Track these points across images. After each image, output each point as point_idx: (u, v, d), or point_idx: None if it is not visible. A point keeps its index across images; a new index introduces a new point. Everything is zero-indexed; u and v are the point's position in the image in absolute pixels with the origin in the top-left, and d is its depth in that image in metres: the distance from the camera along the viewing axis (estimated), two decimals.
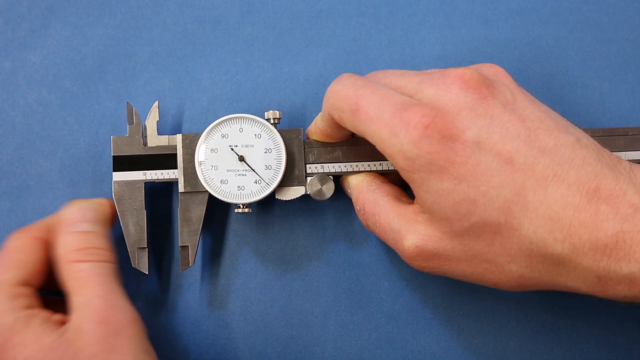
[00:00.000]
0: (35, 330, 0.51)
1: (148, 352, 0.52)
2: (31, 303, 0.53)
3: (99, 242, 0.55)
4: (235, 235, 0.62)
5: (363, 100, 0.51)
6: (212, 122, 0.58)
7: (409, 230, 0.52)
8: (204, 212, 0.58)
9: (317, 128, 0.58)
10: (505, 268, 0.50)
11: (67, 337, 0.51)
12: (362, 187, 0.57)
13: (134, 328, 0.52)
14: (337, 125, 0.56)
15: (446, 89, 0.50)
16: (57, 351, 0.50)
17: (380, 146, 0.51)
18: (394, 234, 0.53)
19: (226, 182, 0.58)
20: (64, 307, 0.54)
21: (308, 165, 0.59)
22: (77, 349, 0.50)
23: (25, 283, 0.53)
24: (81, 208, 0.56)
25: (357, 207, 0.57)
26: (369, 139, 0.52)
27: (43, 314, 0.53)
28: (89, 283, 0.53)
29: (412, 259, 0.52)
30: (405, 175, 0.50)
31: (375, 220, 0.55)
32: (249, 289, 0.61)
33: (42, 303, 0.54)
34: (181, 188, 0.58)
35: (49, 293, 0.57)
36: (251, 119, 0.58)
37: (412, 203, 0.54)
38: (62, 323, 0.52)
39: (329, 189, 0.58)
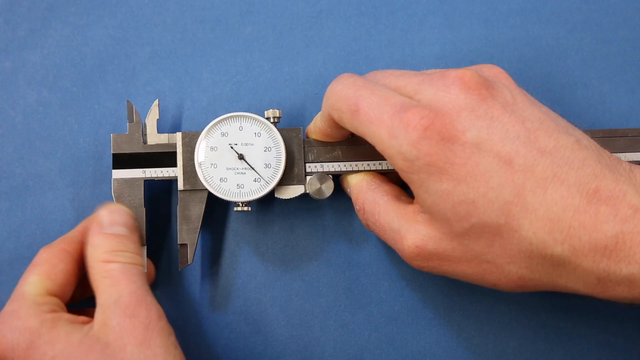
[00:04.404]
0: (61, 329, 0.51)
1: (176, 346, 0.53)
2: (56, 309, 0.53)
3: (131, 246, 0.55)
4: (234, 233, 0.62)
5: (363, 101, 0.51)
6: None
7: (409, 230, 0.52)
8: (203, 210, 0.58)
9: (316, 127, 0.58)
10: (505, 269, 0.50)
11: (94, 332, 0.51)
12: (362, 186, 0.57)
13: (163, 322, 0.52)
14: (336, 125, 0.56)
15: (446, 90, 0.50)
16: (84, 346, 0.50)
17: (379, 147, 0.51)
18: (394, 234, 0.53)
19: (225, 180, 0.58)
20: (91, 315, 0.54)
21: (307, 164, 0.59)
22: (105, 343, 0.51)
23: (50, 293, 0.54)
24: (115, 211, 0.56)
25: (356, 206, 0.57)
26: (369, 139, 0.52)
27: (68, 315, 0.53)
28: (118, 282, 0.53)
29: (412, 259, 0.52)
30: (404, 177, 0.50)
31: (374, 219, 0.55)
32: (248, 289, 0.61)
33: (68, 311, 0.54)
34: (180, 186, 0.58)
35: (77, 305, 0.57)
36: (251, 118, 0.58)
37: (412, 202, 0.54)
38: (89, 323, 0.53)
39: (328, 188, 0.58)
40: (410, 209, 0.53)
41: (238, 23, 0.64)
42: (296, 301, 0.61)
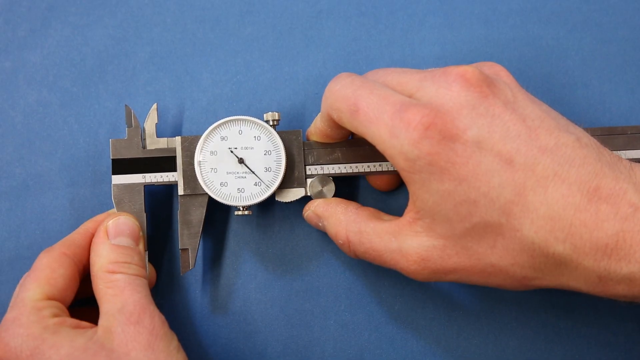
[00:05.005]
0: (65, 334, 0.52)
1: (179, 349, 0.53)
2: (58, 313, 0.53)
3: (135, 259, 0.56)
4: (235, 236, 0.62)
5: (362, 101, 0.51)
6: (212, 122, 0.58)
7: (411, 245, 0.52)
8: (204, 214, 0.58)
9: (316, 128, 0.58)
10: (509, 271, 0.50)
11: (98, 337, 0.52)
12: (339, 220, 0.56)
13: (166, 328, 0.53)
14: (336, 125, 0.55)
15: (447, 87, 0.50)
16: (89, 351, 0.51)
17: (380, 147, 0.51)
18: (393, 254, 0.53)
19: (226, 184, 0.57)
20: (93, 318, 0.54)
21: (308, 167, 0.59)
22: (110, 348, 0.51)
23: (51, 298, 0.54)
24: (122, 221, 0.57)
25: (339, 240, 0.56)
26: (369, 139, 0.52)
27: (72, 320, 0.53)
28: (122, 292, 0.53)
29: (418, 273, 0.52)
30: (405, 176, 0.50)
31: (365, 248, 0.54)
32: (249, 289, 0.61)
33: (71, 317, 0.54)
34: (181, 191, 0.58)
35: (78, 304, 0.58)
36: (250, 121, 0.58)
37: (397, 217, 0.53)
38: (92, 328, 0.53)
39: (329, 191, 0.58)
40: (403, 222, 0.52)
41: (238, 23, 0.64)
42: (296, 301, 0.61)
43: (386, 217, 0.56)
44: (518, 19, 0.64)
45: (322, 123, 0.57)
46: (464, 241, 0.50)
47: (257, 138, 0.58)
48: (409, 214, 0.52)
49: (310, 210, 0.58)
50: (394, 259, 0.53)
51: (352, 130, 0.53)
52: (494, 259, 0.49)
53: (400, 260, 0.52)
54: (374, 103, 0.51)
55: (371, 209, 0.56)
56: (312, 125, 0.58)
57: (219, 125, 0.58)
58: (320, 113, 0.57)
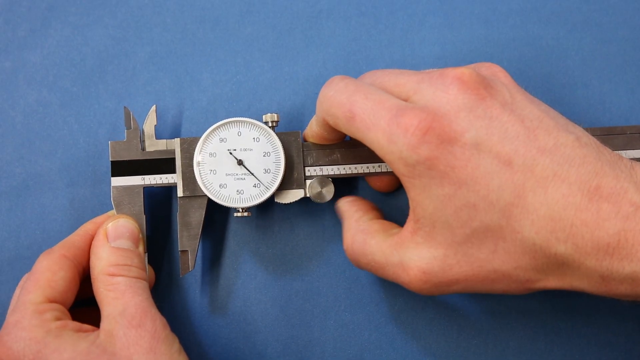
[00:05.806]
0: (67, 338, 0.51)
1: (180, 352, 0.53)
2: (60, 316, 0.53)
3: (135, 261, 0.56)
4: (235, 238, 0.62)
5: (357, 107, 0.51)
6: (212, 122, 0.58)
7: (411, 259, 0.51)
8: (203, 216, 0.58)
9: (312, 131, 0.58)
10: (512, 275, 0.49)
11: (100, 341, 0.51)
12: (350, 226, 0.56)
13: (167, 331, 0.53)
14: (332, 129, 0.55)
15: (445, 90, 0.50)
16: (92, 355, 0.51)
17: (379, 153, 0.50)
18: (395, 267, 0.52)
19: (225, 186, 0.57)
20: (93, 318, 0.54)
21: (307, 168, 0.58)
22: (112, 352, 0.51)
23: (52, 300, 0.53)
24: (121, 224, 0.57)
25: (344, 244, 0.56)
26: (367, 144, 0.51)
27: (74, 324, 0.53)
28: (123, 295, 0.53)
29: (421, 287, 0.51)
30: (405, 182, 0.50)
31: (368, 259, 0.54)
32: (249, 290, 0.61)
33: (72, 318, 0.54)
34: (180, 192, 0.58)
35: (78, 305, 0.58)
36: (249, 123, 0.58)
37: (402, 227, 0.53)
38: (94, 332, 0.53)
39: (329, 192, 0.58)
40: (405, 234, 0.52)
41: (238, 23, 0.64)
42: (296, 301, 0.61)
43: (395, 230, 0.55)
44: (518, 19, 0.64)
45: (318, 127, 0.56)
46: (465, 248, 0.49)
47: (256, 139, 0.58)
48: (409, 223, 0.52)
49: (338, 205, 0.59)
50: (396, 273, 0.52)
51: (350, 135, 0.53)
52: (496, 264, 0.49)
53: (402, 274, 0.52)
54: (370, 109, 0.50)
55: (385, 223, 0.56)
56: (308, 128, 0.58)
57: (218, 127, 0.58)
58: (315, 117, 0.56)
